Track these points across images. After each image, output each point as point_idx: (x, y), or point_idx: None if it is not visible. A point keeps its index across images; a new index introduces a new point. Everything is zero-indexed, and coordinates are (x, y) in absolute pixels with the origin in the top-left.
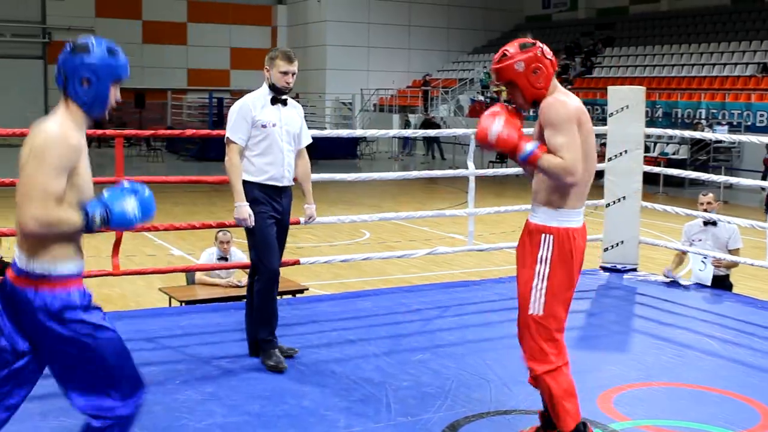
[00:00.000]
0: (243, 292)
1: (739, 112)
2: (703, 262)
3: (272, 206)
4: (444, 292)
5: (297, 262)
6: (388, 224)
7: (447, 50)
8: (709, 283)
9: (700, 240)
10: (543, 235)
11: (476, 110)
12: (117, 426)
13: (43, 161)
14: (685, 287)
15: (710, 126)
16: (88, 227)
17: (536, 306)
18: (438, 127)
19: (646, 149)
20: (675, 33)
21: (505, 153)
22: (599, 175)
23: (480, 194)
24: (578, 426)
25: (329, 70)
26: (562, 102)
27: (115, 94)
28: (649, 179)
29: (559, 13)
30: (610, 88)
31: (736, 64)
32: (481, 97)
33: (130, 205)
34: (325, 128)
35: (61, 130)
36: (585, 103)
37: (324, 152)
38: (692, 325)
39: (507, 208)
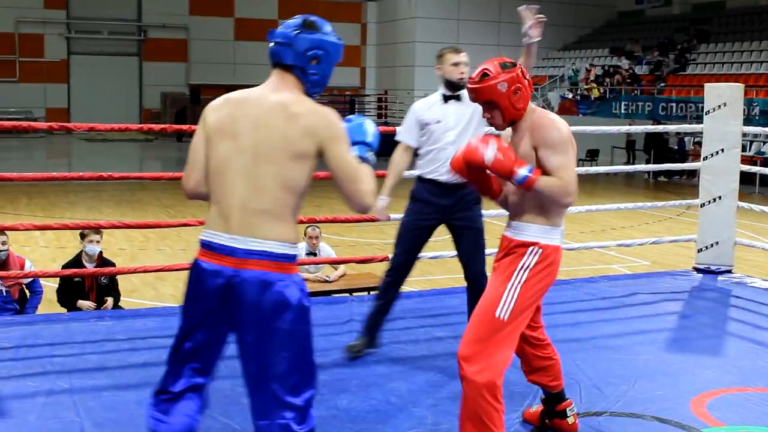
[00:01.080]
0: (331, 287)
1: None
2: None
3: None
4: None
5: (386, 258)
6: None
7: (538, 46)
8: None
9: None
10: (531, 247)
11: (566, 107)
12: None
13: (344, 139)
14: None
15: None
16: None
17: (504, 311)
18: None
19: (743, 148)
20: None
21: (499, 176)
22: (692, 174)
23: None
24: None
25: (418, 67)
26: (559, 122)
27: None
28: (744, 179)
29: (653, 9)
30: (707, 85)
31: None
32: (570, 95)
33: (368, 126)
34: None
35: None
36: (678, 101)
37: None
38: None
39: (598, 207)
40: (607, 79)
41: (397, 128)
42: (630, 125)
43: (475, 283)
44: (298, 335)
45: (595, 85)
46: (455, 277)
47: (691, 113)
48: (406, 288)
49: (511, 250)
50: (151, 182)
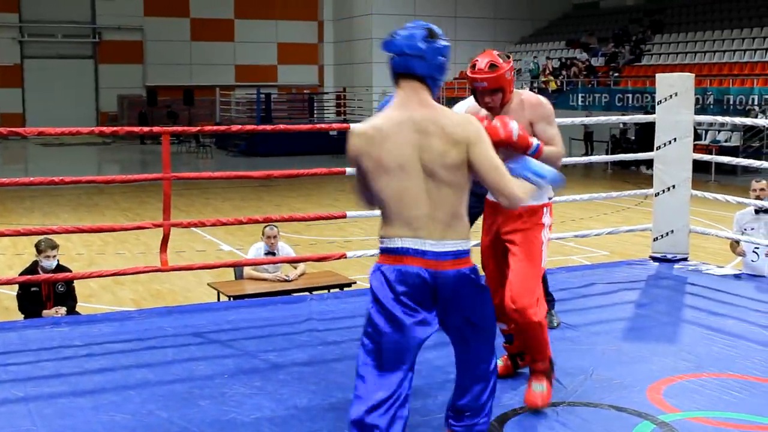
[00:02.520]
0: (291, 286)
1: None
2: (755, 252)
3: None
4: None
5: (343, 256)
6: None
7: (494, 41)
8: (765, 274)
9: (753, 228)
10: (545, 208)
11: None
12: None
13: (488, 142)
14: (738, 277)
15: (763, 112)
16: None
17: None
18: None
19: (698, 137)
20: (726, 18)
21: (518, 149)
22: (648, 163)
23: None
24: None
25: (375, 63)
26: (545, 99)
27: None
28: (701, 167)
29: (608, 1)
30: (658, 75)
31: None
32: (527, 88)
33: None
34: None
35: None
36: (634, 92)
37: None
38: (744, 315)
39: (556, 199)
40: (564, 72)
41: (352, 125)
42: (587, 116)
43: None
44: None
45: (552, 78)
46: None
47: (648, 104)
48: (365, 284)
49: (525, 213)
50: (108, 186)
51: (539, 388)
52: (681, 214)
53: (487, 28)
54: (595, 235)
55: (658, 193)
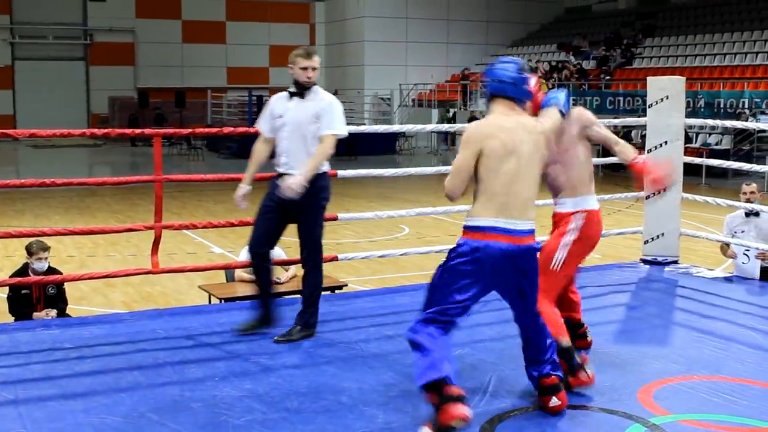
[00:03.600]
0: (281, 288)
1: None
2: (746, 254)
3: (274, 192)
4: None
5: (335, 258)
6: (428, 219)
7: (486, 44)
8: (756, 276)
9: (743, 231)
10: (573, 215)
11: None
12: None
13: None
14: (728, 279)
15: (754, 115)
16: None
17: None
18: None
19: (689, 140)
20: (717, 21)
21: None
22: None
23: None
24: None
25: (367, 66)
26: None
27: None
28: (692, 171)
29: (600, 4)
30: (649, 78)
31: None
32: None
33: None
34: (364, 124)
35: None
36: (626, 95)
37: (363, 148)
38: (735, 318)
39: (546, 202)
40: (555, 75)
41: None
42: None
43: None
44: None
45: (544, 81)
46: (408, 275)
47: (639, 107)
48: (357, 287)
49: (559, 219)
50: (100, 188)
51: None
52: (672, 217)
53: (479, 31)
54: None
55: (649, 196)
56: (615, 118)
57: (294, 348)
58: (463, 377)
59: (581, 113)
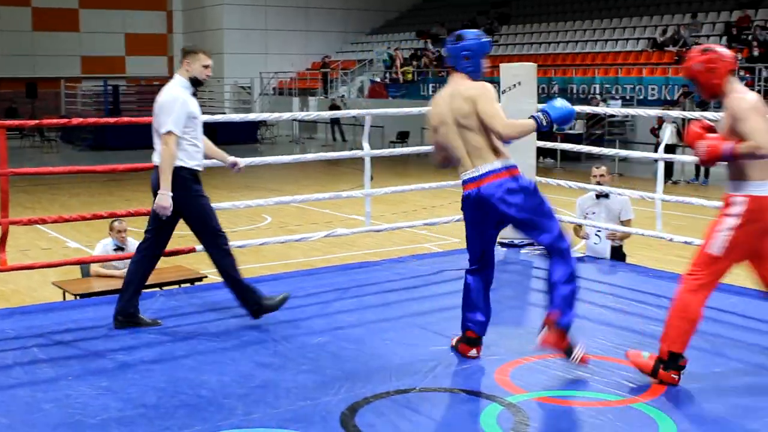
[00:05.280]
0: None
1: (632, 86)
2: (597, 235)
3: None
4: (343, 274)
5: (193, 250)
6: (291, 208)
7: (345, 31)
8: (606, 256)
9: (594, 213)
10: (739, 198)
11: (376, 91)
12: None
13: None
14: (581, 260)
15: (604, 101)
16: (540, 126)
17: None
18: (339, 109)
19: None
20: (569, 10)
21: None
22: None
23: (383, 175)
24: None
25: (227, 54)
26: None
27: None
28: (550, 154)
29: None
30: (502, 65)
31: (627, 39)
32: (379, 79)
33: (559, 102)
34: (224, 113)
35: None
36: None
37: (224, 137)
38: (587, 297)
39: (404, 188)
40: (415, 62)
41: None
42: None
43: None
44: None
45: (409, 68)
46: (269, 264)
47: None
48: (217, 278)
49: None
50: None
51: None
52: None
53: (338, 19)
54: (444, 222)
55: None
56: None
57: (151, 343)
58: (324, 366)
59: (728, 105)
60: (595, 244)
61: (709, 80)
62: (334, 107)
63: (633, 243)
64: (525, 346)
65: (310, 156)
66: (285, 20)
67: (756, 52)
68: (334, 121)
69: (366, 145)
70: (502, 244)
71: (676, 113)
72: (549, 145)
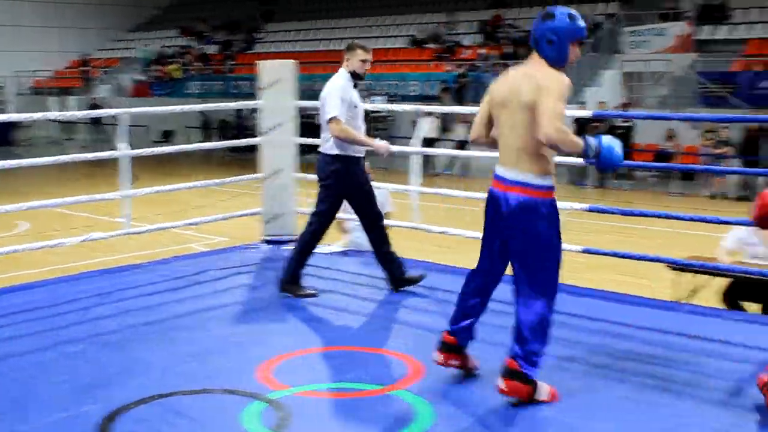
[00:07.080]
0: None
1: (395, 83)
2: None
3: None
4: (104, 279)
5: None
6: (52, 214)
7: (105, 28)
8: (369, 248)
9: None
10: None
11: (140, 90)
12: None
13: (560, 95)
14: (344, 253)
15: (369, 97)
16: (585, 153)
17: None
18: (100, 108)
19: (312, 122)
20: (332, 8)
21: None
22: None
23: (150, 174)
24: None
25: None
26: None
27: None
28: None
29: None
30: (260, 63)
31: (389, 37)
32: (143, 77)
33: (618, 149)
34: None
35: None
36: (246, 79)
37: None
38: (349, 290)
39: (168, 188)
40: (179, 60)
41: None
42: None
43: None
44: None
45: (176, 66)
46: (29, 272)
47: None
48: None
49: None
50: None
51: None
52: (287, 197)
53: (95, 15)
54: (207, 222)
55: (267, 177)
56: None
57: None
58: (83, 374)
59: None
60: (357, 237)
61: None
62: (94, 106)
63: (396, 235)
64: (288, 341)
65: (66, 157)
66: (36, 16)
67: (510, 50)
68: (95, 121)
69: (122, 145)
70: (267, 241)
71: (434, 108)
72: (308, 141)
